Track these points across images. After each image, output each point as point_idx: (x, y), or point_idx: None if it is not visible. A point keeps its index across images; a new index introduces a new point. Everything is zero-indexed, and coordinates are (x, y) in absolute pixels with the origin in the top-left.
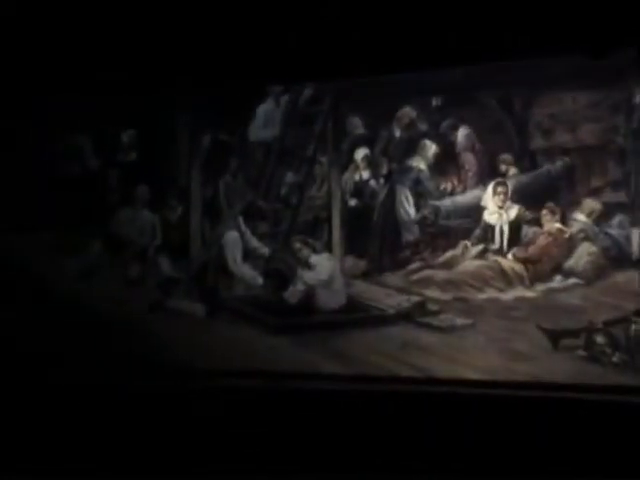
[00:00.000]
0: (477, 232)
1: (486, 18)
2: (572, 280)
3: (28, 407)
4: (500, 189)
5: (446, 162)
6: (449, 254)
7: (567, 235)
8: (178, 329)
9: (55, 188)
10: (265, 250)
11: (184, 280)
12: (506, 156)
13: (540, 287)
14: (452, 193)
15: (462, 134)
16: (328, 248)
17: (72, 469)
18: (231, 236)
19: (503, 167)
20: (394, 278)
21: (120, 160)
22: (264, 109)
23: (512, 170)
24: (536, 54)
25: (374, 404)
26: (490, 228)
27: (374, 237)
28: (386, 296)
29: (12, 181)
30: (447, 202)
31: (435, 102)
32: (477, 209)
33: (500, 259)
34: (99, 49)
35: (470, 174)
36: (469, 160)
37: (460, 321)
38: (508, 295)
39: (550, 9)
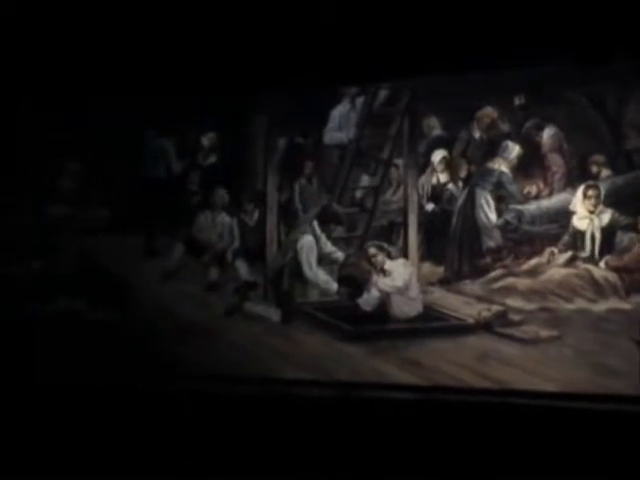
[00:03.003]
0: (565, 238)
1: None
2: None
3: (102, 408)
4: (591, 192)
5: (530, 164)
6: (534, 261)
7: None
8: (253, 334)
9: (143, 190)
10: (339, 255)
11: (261, 284)
12: (598, 157)
13: (637, 298)
14: (537, 197)
15: (548, 134)
16: (404, 254)
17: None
18: (306, 241)
19: (594, 169)
20: (473, 286)
21: (200, 163)
22: (339, 111)
23: (605, 172)
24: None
25: (448, 415)
26: (580, 234)
27: (452, 243)
28: (465, 305)
29: (101, 184)
30: (532, 206)
31: (518, 101)
32: (565, 214)
33: (591, 267)
34: (184, 54)
35: (557, 176)
36: (556, 162)
37: (545, 333)
38: (600, 306)
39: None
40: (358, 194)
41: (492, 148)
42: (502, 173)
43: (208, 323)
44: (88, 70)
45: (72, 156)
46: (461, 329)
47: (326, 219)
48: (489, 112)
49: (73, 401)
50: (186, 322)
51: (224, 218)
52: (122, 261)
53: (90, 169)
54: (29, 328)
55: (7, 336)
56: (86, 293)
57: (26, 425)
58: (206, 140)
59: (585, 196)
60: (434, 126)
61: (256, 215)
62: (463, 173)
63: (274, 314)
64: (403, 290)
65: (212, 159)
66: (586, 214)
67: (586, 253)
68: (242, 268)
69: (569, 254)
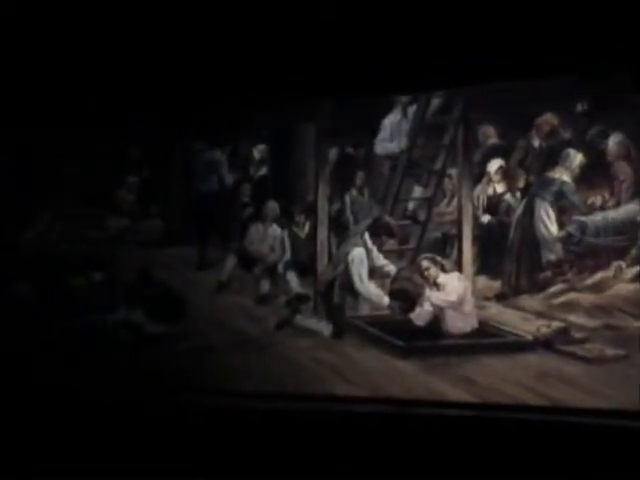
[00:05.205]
0: (633, 252)
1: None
2: None
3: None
4: None
5: (595, 173)
6: (598, 276)
7: None
8: (303, 348)
9: (195, 203)
10: (391, 268)
11: (312, 297)
12: None
13: None
14: (602, 207)
15: (614, 142)
16: (458, 267)
17: None
18: (357, 253)
19: None
20: (532, 301)
21: (252, 175)
22: (390, 121)
23: None
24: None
25: (501, 433)
26: None
27: (510, 256)
28: (523, 321)
29: (156, 197)
30: (596, 217)
31: (580, 107)
32: (633, 225)
33: None
34: (235, 67)
35: (625, 186)
36: (624, 170)
37: (610, 351)
38: None
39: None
40: (410, 206)
41: (552, 157)
42: (564, 183)
43: (259, 336)
44: (142, 86)
45: (130, 170)
46: (519, 346)
47: (378, 231)
48: (549, 119)
49: (127, 411)
50: (237, 335)
51: (275, 230)
52: (177, 273)
53: (146, 182)
54: (88, 338)
55: (67, 346)
56: (143, 305)
57: (78, 431)
58: (257, 152)
59: None
60: (490, 135)
61: (307, 227)
62: (521, 183)
63: (325, 328)
64: (457, 305)
65: (263, 171)
66: None
67: None
68: (293, 281)
69: (638, 268)
